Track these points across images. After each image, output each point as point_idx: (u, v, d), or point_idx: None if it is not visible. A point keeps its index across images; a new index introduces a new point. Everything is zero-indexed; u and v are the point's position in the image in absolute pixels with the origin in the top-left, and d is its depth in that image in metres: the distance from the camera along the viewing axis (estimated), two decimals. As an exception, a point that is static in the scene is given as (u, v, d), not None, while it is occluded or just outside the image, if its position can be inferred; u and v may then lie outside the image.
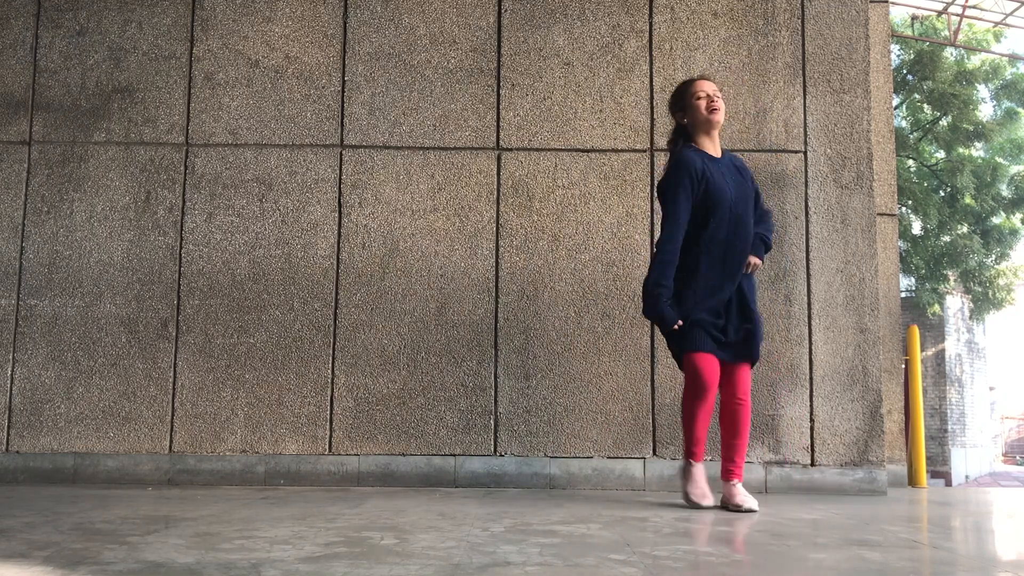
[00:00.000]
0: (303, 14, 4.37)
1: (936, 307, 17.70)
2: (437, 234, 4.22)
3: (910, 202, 15.87)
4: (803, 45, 4.33)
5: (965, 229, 16.50)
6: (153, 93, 4.33)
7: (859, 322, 4.16)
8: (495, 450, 4.10)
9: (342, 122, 4.30)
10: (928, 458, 10.10)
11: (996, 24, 16.24)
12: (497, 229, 4.23)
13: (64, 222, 4.25)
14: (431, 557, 2.14)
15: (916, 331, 5.42)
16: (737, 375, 3.39)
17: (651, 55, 4.33)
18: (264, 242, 4.22)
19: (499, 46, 4.33)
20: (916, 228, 16.61)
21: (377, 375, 4.14)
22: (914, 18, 16.51)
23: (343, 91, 4.31)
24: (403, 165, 4.27)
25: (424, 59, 4.33)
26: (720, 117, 3.44)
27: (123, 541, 2.32)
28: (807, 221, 4.22)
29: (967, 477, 19.61)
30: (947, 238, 16.40)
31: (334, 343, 4.16)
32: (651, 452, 4.09)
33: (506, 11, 4.36)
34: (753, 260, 3.44)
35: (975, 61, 16.70)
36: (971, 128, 16.05)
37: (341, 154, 4.28)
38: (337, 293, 4.19)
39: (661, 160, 4.25)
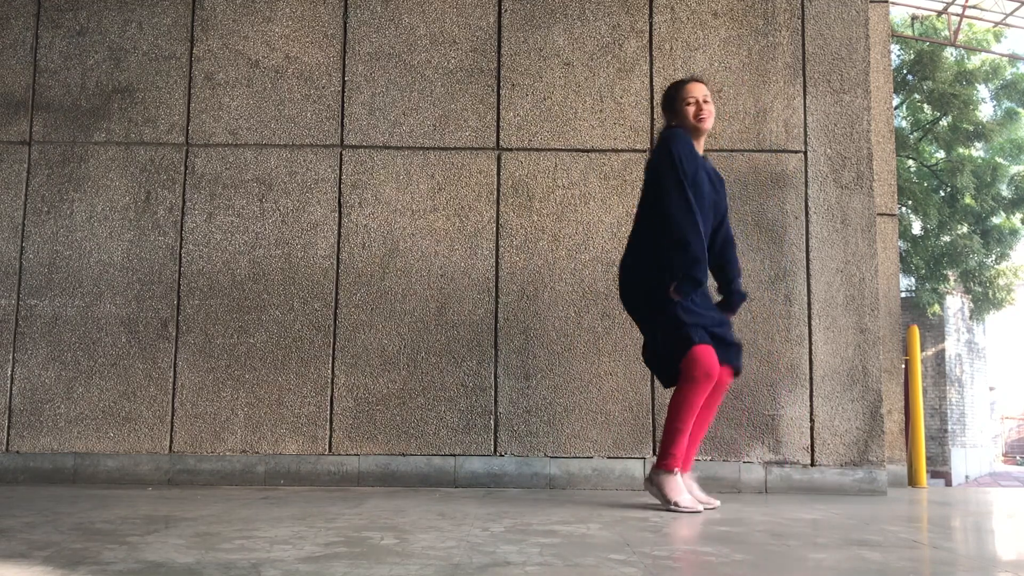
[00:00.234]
0: (303, 14, 4.37)
1: (936, 307, 17.71)
2: (437, 234, 4.22)
3: (910, 202, 15.87)
4: (803, 45, 4.33)
5: (965, 229, 16.50)
6: (153, 93, 4.33)
7: (859, 322, 4.16)
8: (495, 450, 4.10)
9: (342, 122, 4.30)
10: (928, 458, 10.11)
11: (996, 24, 16.24)
12: (497, 229, 4.23)
13: (64, 222, 4.25)
14: (431, 557, 2.14)
15: (916, 331, 5.42)
16: (723, 377, 3.39)
17: (651, 55, 4.33)
18: (264, 242, 4.22)
19: (499, 46, 4.33)
20: (916, 228, 16.61)
21: (377, 375, 4.14)
22: (914, 18, 16.51)
23: (343, 91, 4.32)
24: (403, 165, 4.27)
25: (424, 59, 4.33)
26: (708, 125, 3.39)
27: (123, 541, 2.32)
28: (807, 221, 4.22)
29: (967, 477, 19.61)
30: (947, 238, 16.41)
31: (334, 343, 4.16)
32: (651, 452, 4.09)
33: (506, 11, 4.36)
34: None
35: (975, 61, 16.71)
36: (971, 128, 16.06)
37: (341, 154, 4.28)
38: (337, 293, 4.19)
39: (661, 160, 4.25)
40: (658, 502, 3.29)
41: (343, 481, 4.09)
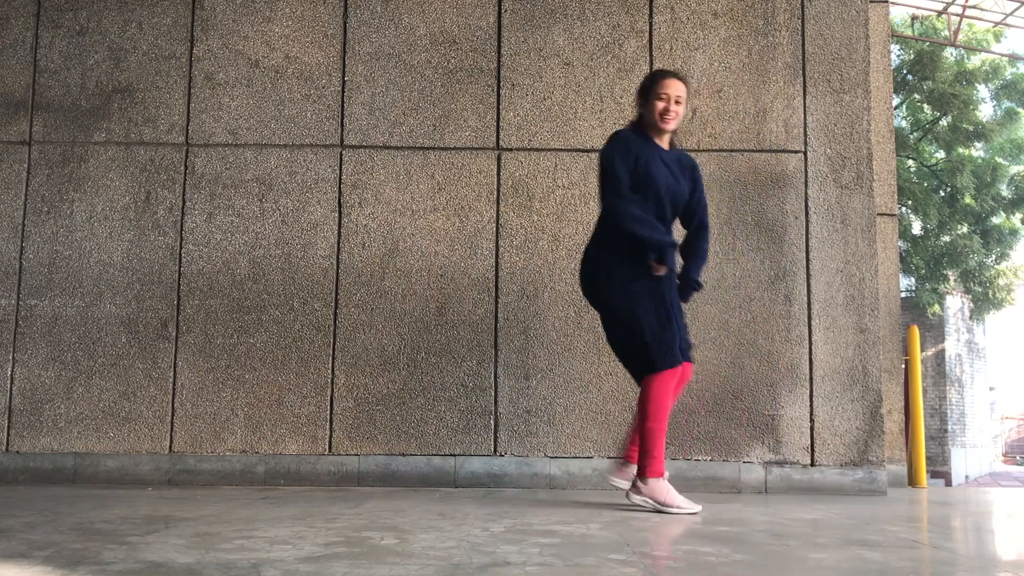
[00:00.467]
0: (303, 14, 4.37)
1: (936, 307, 17.71)
2: (437, 234, 4.22)
3: (910, 202, 15.87)
4: (803, 45, 4.33)
5: (965, 229, 16.50)
6: (153, 93, 4.33)
7: (859, 322, 4.16)
8: (495, 450, 4.10)
9: (342, 122, 4.30)
10: (928, 458, 10.11)
11: (996, 24, 16.24)
12: (497, 229, 4.23)
13: (64, 222, 4.25)
14: (431, 557, 2.14)
15: (916, 331, 5.42)
16: (686, 372, 3.38)
17: (651, 55, 4.33)
18: (264, 242, 4.22)
19: (499, 46, 4.33)
20: (916, 228, 16.61)
21: (377, 375, 4.14)
22: (914, 18, 16.51)
23: (343, 91, 4.32)
24: (403, 165, 4.27)
25: (424, 59, 4.33)
26: (672, 127, 3.38)
27: (123, 541, 2.32)
28: (807, 221, 4.22)
29: (967, 477, 19.61)
30: (947, 238, 16.40)
31: (334, 343, 4.16)
32: (651, 452, 4.09)
33: (506, 11, 4.36)
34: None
35: (975, 61, 16.70)
36: (971, 128, 16.05)
37: (341, 154, 4.28)
38: (337, 293, 4.19)
39: (661, 160, 4.25)
40: (646, 509, 3.21)
41: (343, 481, 4.09)
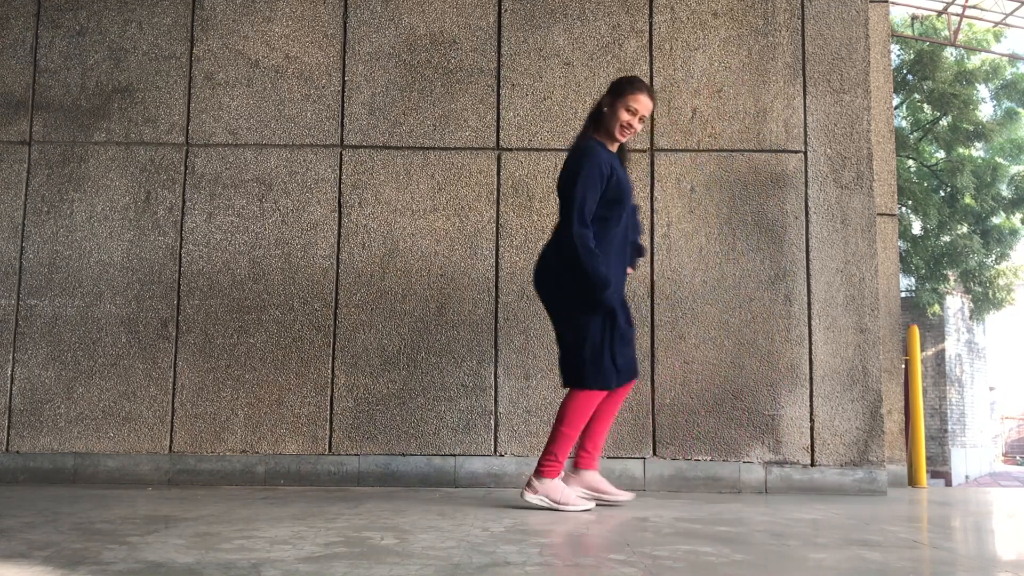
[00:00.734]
0: (303, 14, 4.37)
1: (936, 307, 17.71)
2: (437, 234, 4.22)
3: (910, 202, 15.87)
4: (803, 45, 4.33)
5: (965, 229, 16.50)
6: (153, 93, 4.33)
7: (859, 322, 4.16)
8: (495, 450, 4.10)
9: (342, 122, 4.30)
10: (928, 458, 10.10)
11: (996, 24, 16.24)
12: (497, 229, 4.23)
13: (64, 222, 4.25)
14: (431, 557, 2.14)
15: (916, 331, 5.42)
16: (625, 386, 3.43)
17: (651, 55, 4.33)
18: (264, 242, 4.22)
19: (499, 46, 4.33)
20: (916, 228, 16.61)
21: (377, 375, 4.14)
22: (914, 18, 16.51)
23: (343, 91, 4.32)
24: (403, 165, 4.27)
25: (424, 59, 4.33)
26: (624, 141, 3.39)
27: (123, 541, 2.32)
28: (807, 221, 4.22)
29: (967, 477, 19.61)
30: (947, 238, 16.40)
31: (334, 343, 4.16)
32: (651, 452, 4.09)
33: (506, 11, 4.36)
34: (630, 270, 3.51)
35: (975, 61, 16.70)
36: (971, 128, 16.05)
37: (341, 154, 4.28)
38: (337, 293, 4.19)
39: (661, 160, 4.25)
40: (542, 508, 3.22)
41: (343, 481, 4.09)
